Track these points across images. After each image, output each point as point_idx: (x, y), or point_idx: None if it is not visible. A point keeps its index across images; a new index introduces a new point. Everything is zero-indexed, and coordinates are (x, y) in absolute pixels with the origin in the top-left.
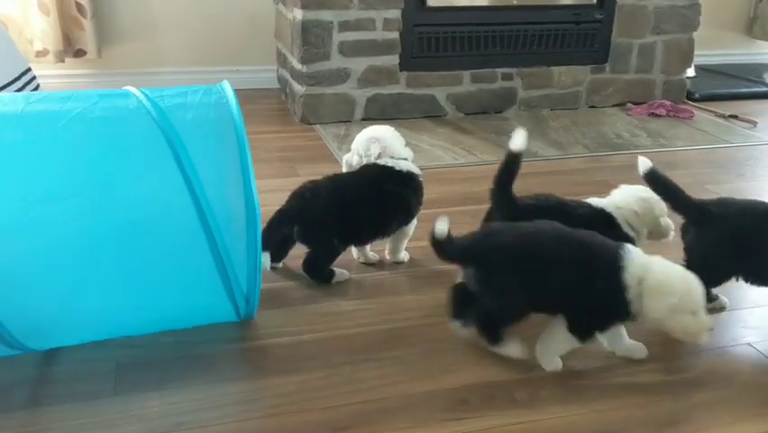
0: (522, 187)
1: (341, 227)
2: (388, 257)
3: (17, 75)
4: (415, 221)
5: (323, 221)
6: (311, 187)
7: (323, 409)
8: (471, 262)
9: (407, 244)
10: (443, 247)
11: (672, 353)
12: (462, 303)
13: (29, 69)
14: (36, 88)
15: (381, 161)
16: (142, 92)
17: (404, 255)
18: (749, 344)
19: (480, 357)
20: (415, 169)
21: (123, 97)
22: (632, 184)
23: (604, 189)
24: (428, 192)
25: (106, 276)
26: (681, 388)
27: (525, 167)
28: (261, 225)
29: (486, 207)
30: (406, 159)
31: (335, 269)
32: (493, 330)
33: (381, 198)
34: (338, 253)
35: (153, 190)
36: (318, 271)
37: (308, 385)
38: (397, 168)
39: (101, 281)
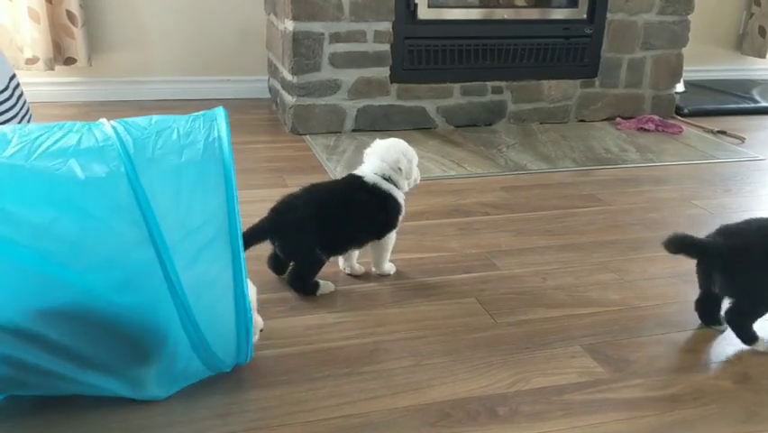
0: (509, 200)
1: (319, 237)
2: (373, 269)
3: (6, 83)
4: (392, 235)
5: (299, 232)
6: (287, 200)
7: (304, 424)
8: (712, 262)
9: (394, 256)
10: (682, 241)
11: (653, 368)
12: (710, 308)
13: (14, 75)
14: (22, 95)
15: (358, 172)
16: (126, 154)
17: (389, 267)
18: (731, 360)
19: (462, 372)
20: (383, 184)
21: (104, 161)
22: (618, 198)
23: (590, 203)
24: (417, 204)
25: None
26: (663, 404)
27: (512, 180)
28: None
29: (473, 219)
30: (385, 174)
31: (320, 281)
32: (746, 332)
33: (348, 209)
34: (321, 264)
35: (129, 268)
36: (303, 284)
37: (290, 399)
38: (366, 179)
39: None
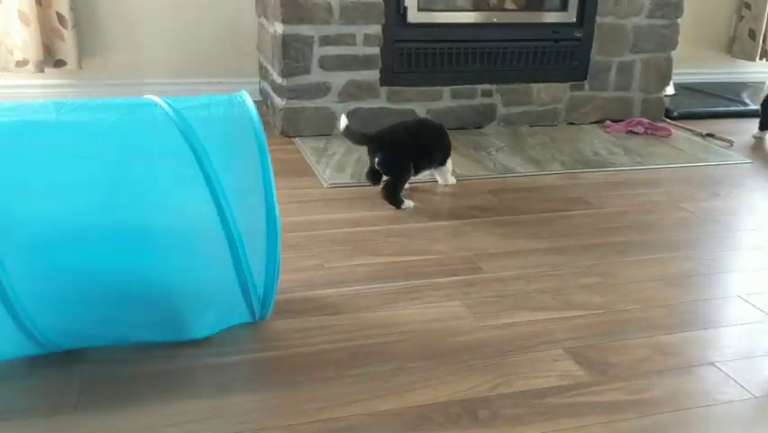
0: (497, 203)
1: (414, 155)
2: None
3: None
4: (449, 161)
5: (400, 150)
6: (389, 128)
7: (284, 428)
8: None
9: (383, 258)
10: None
11: (635, 372)
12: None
13: None
14: None
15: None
16: (168, 104)
17: (452, 180)
18: (713, 364)
19: (444, 375)
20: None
21: (150, 108)
22: (607, 201)
23: (578, 206)
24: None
25: (137, 283)
26: (644, 407)
27: (500, 183)
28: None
29: (460, 222)
30: None
31: (405, 200)
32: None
33: (430, 135)
34: (408, 179)
35: (181, 201)
36: (394, 194)
37: (270, 403)
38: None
39: (131, 288)
